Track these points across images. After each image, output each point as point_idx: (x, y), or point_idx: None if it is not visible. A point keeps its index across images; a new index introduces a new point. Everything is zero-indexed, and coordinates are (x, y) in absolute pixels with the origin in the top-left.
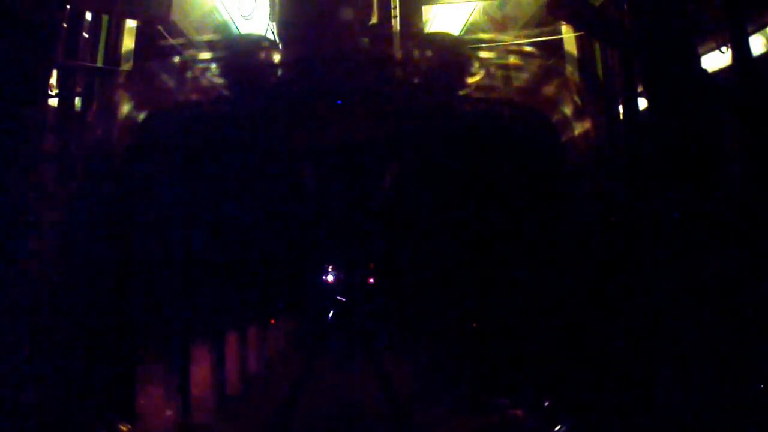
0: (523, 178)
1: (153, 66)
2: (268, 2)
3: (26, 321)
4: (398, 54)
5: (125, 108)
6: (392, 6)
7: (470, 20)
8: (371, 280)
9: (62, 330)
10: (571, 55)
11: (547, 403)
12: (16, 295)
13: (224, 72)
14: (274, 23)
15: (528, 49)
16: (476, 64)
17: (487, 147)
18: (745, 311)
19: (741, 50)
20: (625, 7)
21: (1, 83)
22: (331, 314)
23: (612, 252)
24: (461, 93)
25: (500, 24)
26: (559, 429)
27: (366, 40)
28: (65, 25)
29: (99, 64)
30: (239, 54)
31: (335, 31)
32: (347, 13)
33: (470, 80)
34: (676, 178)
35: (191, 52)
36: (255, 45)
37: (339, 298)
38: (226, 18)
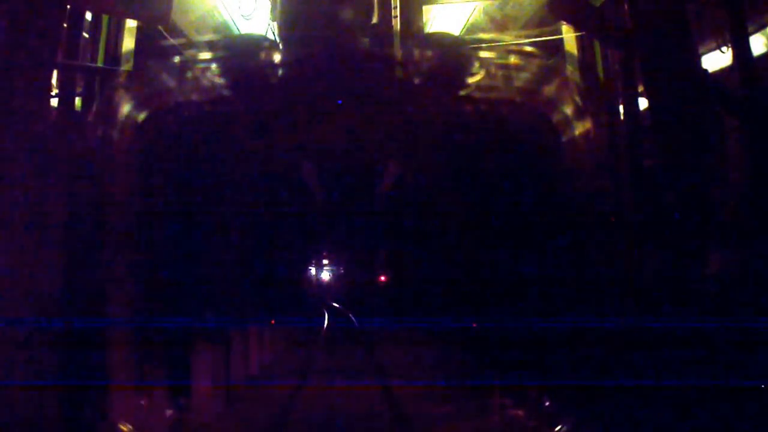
0: (524, 177)
1: (153, 66)
2: (269, 2)
3: (28, 320)
4: (399, 54)
5: (125, 108)
6: (393, 6)
7: (471, 20)
8: (383, 278)
9: (64, 330)
10: (571, 55)
11: (547, 403)
12: (17, 293)
13: (224, 72)
14: (275, 23)
15: (528, 48)
16: (477, 64)
17: (488, 146)
18: (746, 310)
19: (742, 50)
20: (625, 7)
21: (1, 83)
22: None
23: (612, 251)
24: (462, 93)
25: (501, 24)
26: (559, 429)
27: (366, 40)
28: (65, 25)
29: (99, 64)
30: (239, 54)
31: (335, 31)
32: (348, 13)
33: (471, 80)
34: (677, 177)
35: (191, 52)
36: (255, 45)
37: (334, 304)
38: (226, 18)
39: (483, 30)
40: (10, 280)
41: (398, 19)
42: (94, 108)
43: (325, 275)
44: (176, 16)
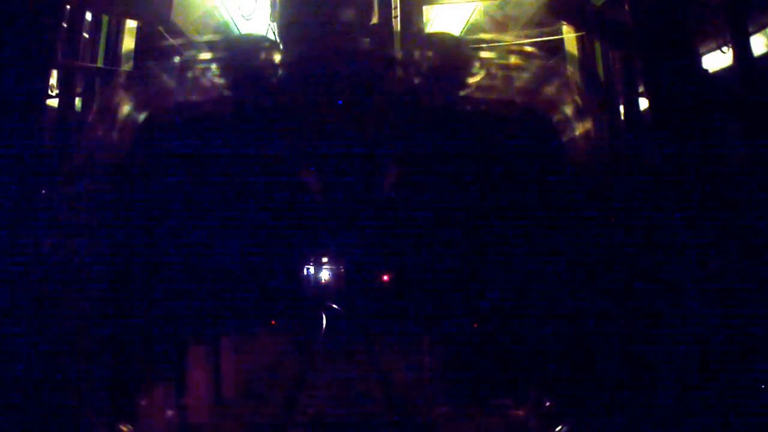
0: (524, 177)
1: (153, 66)
2: (269, 2)
3: (28, 321)
4: (399, 54)
5: (125, 108)
6: (393, 6)
7: (471, 20)
8: (386, 278)
9: (63, 330)
10: (571, 55)
11: (548, 403)
12: (17, 294)
13: (224, 72)
14: (275, 23)
15: (529, 49)
16: (477, 65)
17: (488, 147)
18: (746, 311)
19: (742, 50)
20: (626, 7)
21: (1, 83)
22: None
23: (612, 251)
24: (462, 93)
25: (501, 24)
26: (559, 429)
27: (366, 40)
28: (65, 25)
29: (99, 64)
30: (239, 54)
31: (335, 31)
32: (348, 13)
33: (471, 80)
34: (677, 178)
35: (191, 52)
36: (255, 45)
37: (333, 305)
38: (226, 18)
39: (483, 30)
40: None
41: (398, 19)
42: None
43: (325, 276)
44: (176, 16)
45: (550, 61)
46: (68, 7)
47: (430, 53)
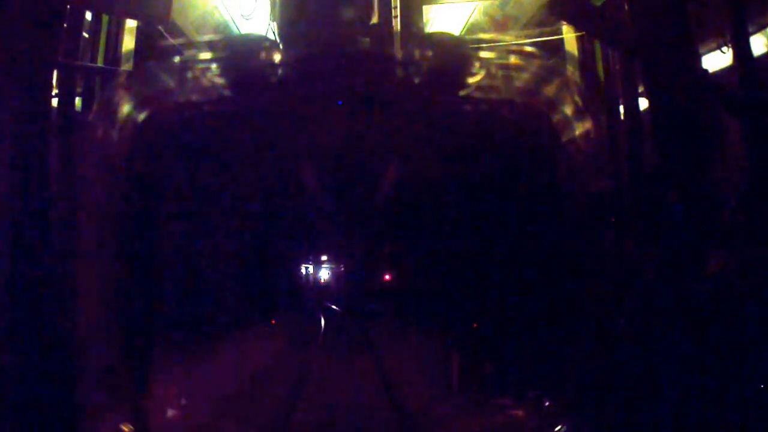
0: (524, 178)
1: (153, 66)
2: (269, 2)
3: (27, 320)
4: (399, 54)
5: (125, 108)
6: (393, 6)
7: (471, 20)
8: (387, 277)
9: (63, 329)
10: (571, 55)
11: (547, 403)
12: (17, 292)
13: (224, 72)
14: (275, 23)
15: (529, 49)
16: (477, 64)
17: (488, 147)
18: (746, 311)
19: (742, 50)
20: (625, 7)
21: (1, 83)
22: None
23: (612, 252)
24: (462, 93)
25: (501, 24)
26: (559, 429)
27: (366, 40)
28: (65, 25)
29: (99, 64)
30: (239, 54)
31: (335, 31)
32: (348, 13)
33: (471, 80)
34: (677, 178)
35: (191, 52)
36: (255, 45)
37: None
38: (226, 18)
39: (483, 30)
40: None
41: (398, 19)
42: None
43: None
44: (176, 16)
45: (550, 61)
46: (68, 7)
47: (430, 53)
